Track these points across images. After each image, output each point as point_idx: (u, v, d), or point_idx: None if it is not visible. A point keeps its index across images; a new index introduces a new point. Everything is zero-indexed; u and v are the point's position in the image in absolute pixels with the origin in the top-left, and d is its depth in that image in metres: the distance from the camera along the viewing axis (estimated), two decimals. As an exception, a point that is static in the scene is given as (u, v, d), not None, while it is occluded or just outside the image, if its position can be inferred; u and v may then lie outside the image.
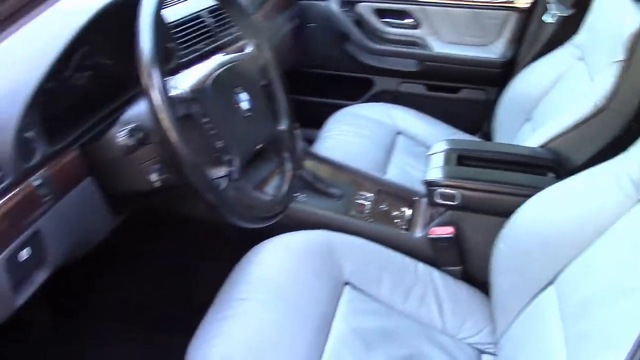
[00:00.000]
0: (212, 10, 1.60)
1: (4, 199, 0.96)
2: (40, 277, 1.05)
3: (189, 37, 1.48)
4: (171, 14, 1.45)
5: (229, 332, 1.13)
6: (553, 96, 1.72)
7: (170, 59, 1.39)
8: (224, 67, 1.18)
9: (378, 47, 2.31)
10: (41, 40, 1.11)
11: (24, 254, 0.99)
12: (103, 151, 1.12)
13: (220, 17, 1.61)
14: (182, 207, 1.37)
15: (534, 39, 2.06)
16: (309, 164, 1.61)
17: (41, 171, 1.03)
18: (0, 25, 0.70)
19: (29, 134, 1.01)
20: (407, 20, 2.30)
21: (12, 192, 0.97)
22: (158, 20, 1.05)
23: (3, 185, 0.96)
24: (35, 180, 1.01)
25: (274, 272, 1.25)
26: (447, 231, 1.40)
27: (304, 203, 1.49)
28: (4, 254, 0.94)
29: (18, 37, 1.07)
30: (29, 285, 1.03)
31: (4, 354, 1.40)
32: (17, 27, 0.69)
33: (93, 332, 1.57)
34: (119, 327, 1.57)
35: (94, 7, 1.18)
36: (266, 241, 1.32)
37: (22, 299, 1.01)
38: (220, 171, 1.12)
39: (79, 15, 1.16)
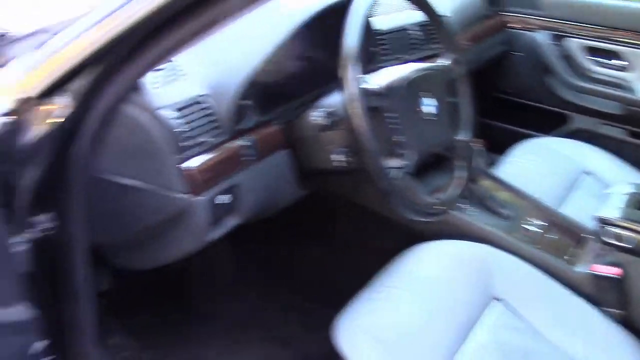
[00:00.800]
0: (420, 24, 1.72)
1: (218, 151, 1.17)
2: (231, 222, 1.25)
3: (393, 45, 1.62)
4: (381, 23, 1.60)
5: (376, 312, 1.23)
6: None
7: (372, 61, 1.54)
8: (420, 73, 1.30)
9: (581, 84, 2.26)
10: (268, 29, 1.32)
11: (223, 199, 1.19)
12: (300, 128, 1.29)
13: (426, 31, 1.73)
14: (355, 193, 1.50)
15: None
16: (484, 182, 1.66)
17: (250, 135, 1.23)
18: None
19: (245, 103, 1.22)
20: (615, 62, 2.22)
21: (225, 147, 1.18)
22: (364, 24, 1.20)
23: (219, 140, 1.17)
24: (244, 141, 1.21)
25: (429, 270, 1.33)
26: (613, 271, 1.37)
27: (471, 215, 1.54)
28: (208, 194, 1.16)
29: (248, 22, 1.28)
30: (221, 227, 1.23)
31: (188, 287, 1.65)
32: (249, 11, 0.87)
33: (257, 292, 1.77)
34: (278, 291, 1.76)
35: (316, 7, 1.38)
36: (428, 242, 1.40)
37: (212, 236, 1.22)
38: (395, 162, 1.23)
39: (302, 12, 1.36)
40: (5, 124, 0.96)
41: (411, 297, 1.26)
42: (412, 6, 1.40)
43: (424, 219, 1.29)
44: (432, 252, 1.38)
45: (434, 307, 1.25)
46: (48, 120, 0.96)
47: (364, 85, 1.17)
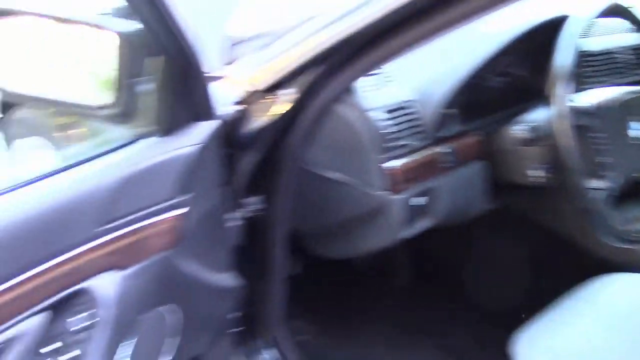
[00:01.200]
0: (633, 48, 1.64)
1: (419, 155, 1.23)
2: (423, 224, 1.30)
3: (600, 67, 1.56)
4: (590, 44, 1.56)
5: (558, 336, 1.20)
6: None
7: (576, 82, 1.50)
8: (632, 96, 1.26)
9: None
10: (475, 45, 1.36)
11: (418, 201, 1.25)
12: (499, 141, 1.32)
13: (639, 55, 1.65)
14: (545, 211, 1.48)
15: None
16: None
17: (450, 143, 1.28)
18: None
19: (449, 112, 1.27)
20: None
21: (425, 151, 1.24)
22: (577, 44, 1.19)
23: (421, 144, 1.23)
24: (443, 148, 1.26)
25: (619, 303, 1.27)
26: None
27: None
28: (405, 194, 1.22)
29: (456, 37, 1.33)
30: (413, 227, 1.28)
31: (369, 282, 1.72)
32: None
33: (431, 299, 1.79)
34: (450, 302, 1.76)
35: (523, 27, 1.39)
36: (622, 273, 1.34)
37: (403, 234, 1.27)
38: (596, 183, 1.21)
39: (509, 31, 1.39)
40: (236, 111, 1.09)
41: (597, 327, 1.21)
42: (633, 28, 1.36)
43: (621, 246, 1.24)
44: (625, 284, 1.31)
45: (620, 340, 1.19)
46: (270, 112, 1.08)
47: (573, 104, 1.16)
